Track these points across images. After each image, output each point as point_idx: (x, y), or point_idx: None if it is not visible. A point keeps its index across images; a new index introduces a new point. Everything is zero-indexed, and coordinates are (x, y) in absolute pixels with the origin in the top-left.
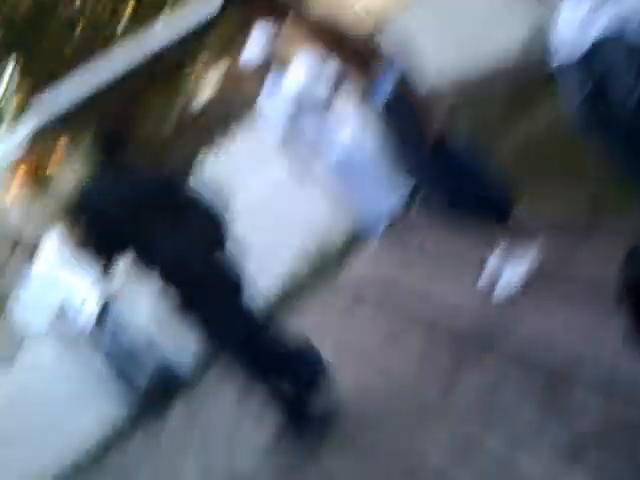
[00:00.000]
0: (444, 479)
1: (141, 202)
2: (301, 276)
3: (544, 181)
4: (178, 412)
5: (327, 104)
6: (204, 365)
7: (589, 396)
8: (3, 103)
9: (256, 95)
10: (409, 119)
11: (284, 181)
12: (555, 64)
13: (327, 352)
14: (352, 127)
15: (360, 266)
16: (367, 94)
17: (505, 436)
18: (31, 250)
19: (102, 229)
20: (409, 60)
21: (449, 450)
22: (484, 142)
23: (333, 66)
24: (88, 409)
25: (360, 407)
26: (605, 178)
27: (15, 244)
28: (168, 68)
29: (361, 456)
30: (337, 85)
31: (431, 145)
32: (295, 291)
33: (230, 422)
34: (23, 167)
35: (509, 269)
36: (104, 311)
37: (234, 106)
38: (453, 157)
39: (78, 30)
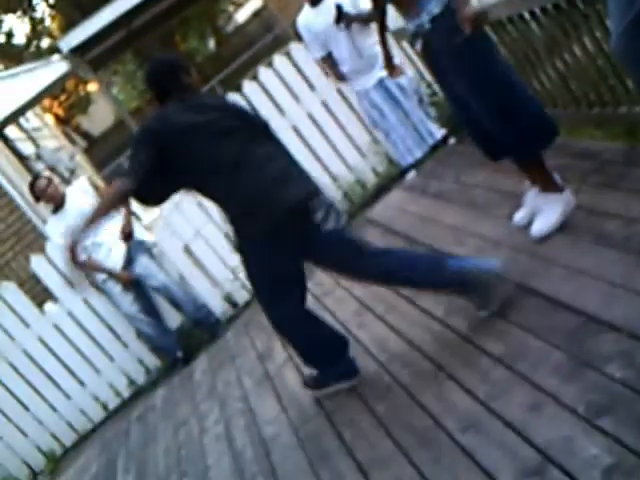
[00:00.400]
0: (468, 432)
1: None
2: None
3: (583, 113)
4: (203, 363)
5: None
6: (228, 319)
7: (618, 341)
8: None
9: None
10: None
11: (319, 112)
12: None
13: (356, 292)
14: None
15: (395, 199)
16: (414, 17)
17: (530, 389)
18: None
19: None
20: None
21: (476, 401)
22: (527, 68)
23: None
24: (119, 357)
25: (385, 347)
26: None
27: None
28: None
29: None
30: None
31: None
32: None
33: (254, 376)
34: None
35: (546, 205)
36: (132, 258)
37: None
38: (490, 91)
39: None
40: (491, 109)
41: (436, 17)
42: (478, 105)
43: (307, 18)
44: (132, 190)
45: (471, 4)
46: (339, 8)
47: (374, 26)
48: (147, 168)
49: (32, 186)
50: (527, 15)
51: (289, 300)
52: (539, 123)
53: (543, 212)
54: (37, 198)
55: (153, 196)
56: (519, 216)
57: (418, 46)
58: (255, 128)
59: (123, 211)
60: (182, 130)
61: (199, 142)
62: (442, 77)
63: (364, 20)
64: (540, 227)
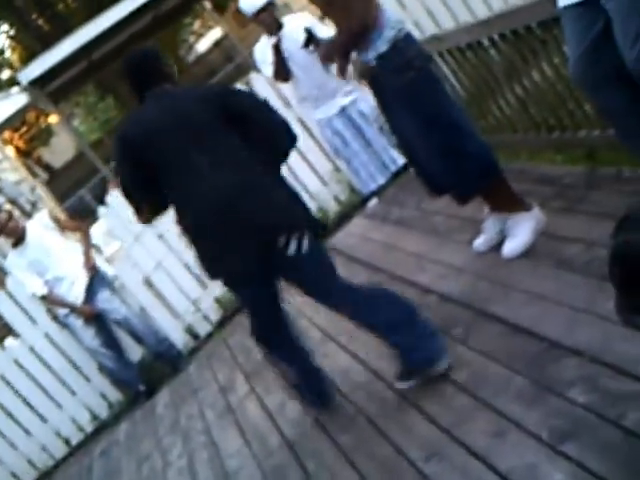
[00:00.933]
0: (432, 460)
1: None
2: None
3: (543, 137)
4: (166, 397)
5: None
6: (190, 352)
7: (580, 366)
8: None
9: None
10: (401, 79)
11: None
12: (561, 4)
13: (320, 321)
14: (350, 87)
15: (357, 226)
16: (362, 53)
17: (493, 416)
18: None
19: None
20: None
21: (439, 429)
22: (487, 94)
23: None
24: (81, 391)
25: (348, 377)
26: (602, 134)
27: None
28: (168, 18)
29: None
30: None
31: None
32: None
33: (216, 409)
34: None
35: (516, 225)
36: (93, 292)
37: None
38: (441, 130)
39: None
40: (434, 148)
41: (383, 55)
42: (422, 143)
43: (263, 50)
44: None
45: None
46: (309, 32)
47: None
48: (135, 185)
49: None
50: (486, 42)
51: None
52: (480, 162)
53: (514, 232)
54: None
55: (163, 202)
56: (479, 242)
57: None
58: (231, 126)
59: (84, 244)
60: (153, 136)
61: (169, 149)
62: (388, 113)
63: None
64: (512, 247)
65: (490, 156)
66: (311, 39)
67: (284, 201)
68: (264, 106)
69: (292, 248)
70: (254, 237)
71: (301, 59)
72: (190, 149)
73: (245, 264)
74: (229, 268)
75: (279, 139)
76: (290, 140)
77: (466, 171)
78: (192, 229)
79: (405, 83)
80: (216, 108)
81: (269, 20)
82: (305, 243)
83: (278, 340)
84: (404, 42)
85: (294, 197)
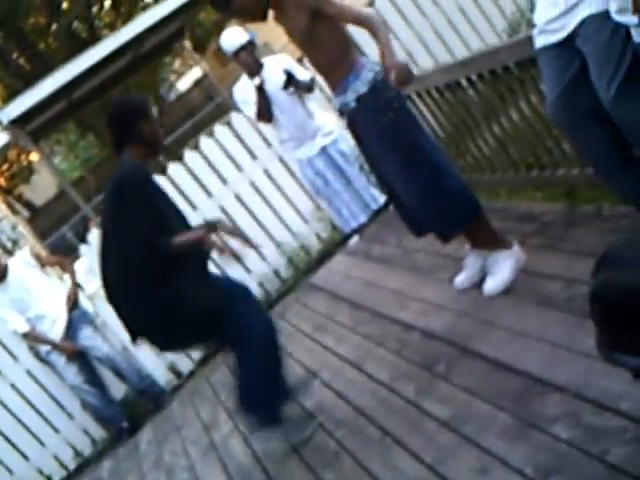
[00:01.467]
0: None
1: None
2: (281, 275)
3: (522, 176)
4: (149, 434)
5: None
6: (173, 389)
7: (563, 402)
8: None
9: (234, 82)
10: (381, 119)
11: (261, 180)
12: (538, 46)
13: (303, 358)
14: (331, 127)
15: (339, 264)
16: (339, 93)
17: (477, 452)
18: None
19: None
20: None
21: (423, 465)
22: (465, 133)
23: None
24: (64, 428)
25: (331, 413)
26: (581, 172)
27: None
28: (148, 57)
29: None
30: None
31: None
32: (275, 291)
33: (199, 446)
34: None
35: (496, 263)
36: (75, 329)
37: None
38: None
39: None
40: (414, 188)
41: (362, 96)
42: (401, 183)
43: (244, 90)
44: None
45: (397, 57)
46: (289, 73)
47: (314, 95)
48: None
49: None
50: (464, 82)
51: None
52: (460, 203)
53: (494, 270)
54: None
55: None
56: (460, 279)
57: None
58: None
59: (70, 274)
60: None
61: None
62: (367, 153)
63: (306, 89)
64: (493, 285)
65: (471, 195)
66: (291, 81)
67: None
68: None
69: None
70: None
71: (282, 101)
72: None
73: None
74: None
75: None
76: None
77: (447, 210)
78: None
79: (385, 124)
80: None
81: (249, 60)
82: None
83: None
84: (382, 83)
85: None
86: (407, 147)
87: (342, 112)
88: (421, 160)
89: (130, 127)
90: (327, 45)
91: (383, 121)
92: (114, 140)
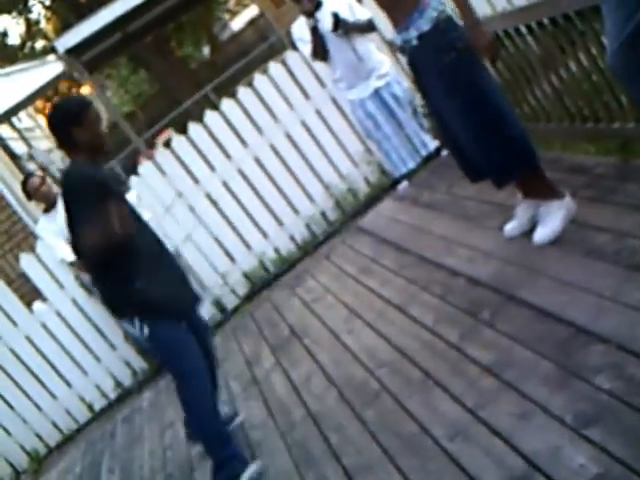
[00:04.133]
0: (456, 440)
1: None
2: (328, 218)
3: (577, 127)
4: None
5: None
6: (216, 324)
7: (607, 353)
8: None
9: (289, 23)
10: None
11: (313, 120)
12: None
13: (347, 299)
14: (386, 69)
15: (387, 208)
16: (402, 30)
17: (518, 398)
18: None
19: None
20: None
21: (464, 409)
22: (522, 82)
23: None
24: (106, 358)
25: (373, 353)
26: (637, 126)
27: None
28: None
29: (369, 419)
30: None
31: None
32: (322, 233)
33: (241, 381)
34: None
35: (548, 212)
36: None
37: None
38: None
39: None
40: (472, 131)
41: (424, 34)
42: (460, 125)
43: (301, 28)
44: None
45: (485, 31)
46: (336, 16)
47: (372, 36)
48: None
49: (25, 184)
50: (524, 29)
51: None
52: (518, 149)
53: (545, 220)
54: (29, 196)
55: None
56: (510, 228)
57: (403, 59)
58: None
59: None
60: None
61: None
62: (427, 94)
63: (361, 29)
64: (543, 235)
65: (529, 142)
66: (338, 23)
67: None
68: None
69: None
70: None
71: (334, 42)
72: None
73: None
74: None
75: None
76: None
77: (506, 156)
78: None
79: (446, 64)
80: None
81: (310, 5)
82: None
83: None
84: (446, 23)
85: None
86: (468, 88)
87: (403, 50)
88: (482, 102)
89: (64, 135)
90: None
91: (444, 61)
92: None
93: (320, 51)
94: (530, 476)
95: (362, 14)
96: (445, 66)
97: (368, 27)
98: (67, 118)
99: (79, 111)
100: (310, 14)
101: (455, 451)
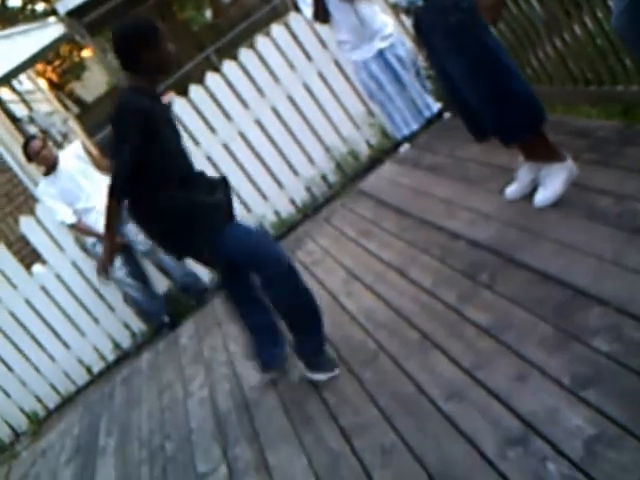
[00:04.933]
0: (453, 400)
1: None
2: (328, 180)
3: (580, 90)
4: (190, 329)
5: None
6: (216, 286)
7: (605, 316)
8: None
9: None
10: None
11: (315, 82)
12: None
13: (346, 261)
14: (390, 31)
15: (388, 171)
16: None
17: (516, 360)
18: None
19: None
20: None
21: (461, 370)
22: (526, 44)
23: None
24: (104, 320)
25: (372, 315)
26: None
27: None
28: None
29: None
30: None
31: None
32: (322, 195)
33: (240, 342)
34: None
35: (549, 175)
36: (122, 223)
37: None
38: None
39: None
40: (480, 90)
41: None
42: (467, 85)
43: None
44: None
45: None
46: None
47: None
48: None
49: (26, 146)
50: None
51: None
52: (527, 107)
53: (546, 182)
54: (29, 158)
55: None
56: (511, 190)
57: (407, 21)
58: None
59: None
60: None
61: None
62: (433, 54)
63: None
64: (544, 197)
65: (537, 101)
66: None
67: None
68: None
69: None
70: None
71: (337, 4)
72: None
73: None
74: None
75: None
76: None
77: (514, 114)
78: None
79: (452, 24)
80: None
81: None
82: None
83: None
84: None
85: None
86: (474, 48)
87: (408, 10)
88: (488, 62)
89: (132, 56)
90: None
91: (450, 21)
92: (122, 66)
93: (321, 13)
94: (526, 437)
95: None
96: (451, 26)
97: None
98: (138, 39)
99: (151, 32)
100: None
101: (451, 412)
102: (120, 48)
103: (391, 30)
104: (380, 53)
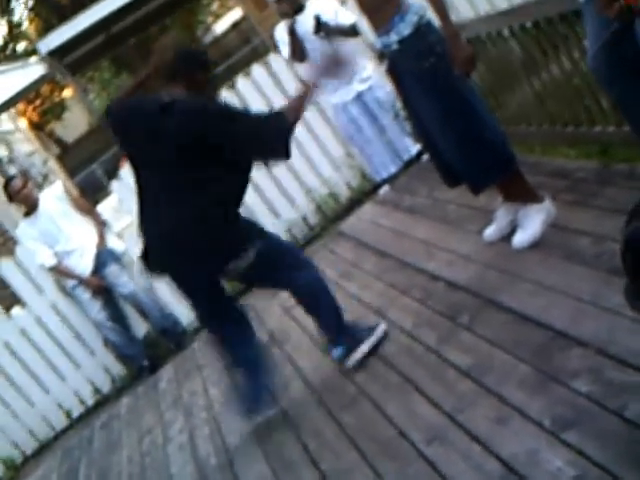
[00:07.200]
0: (434, 444)
1: None
2: (309, 222)
3: (557, 131)
4: (169, 373)
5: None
6: (195, 329)
7: (585, 357)
8: None
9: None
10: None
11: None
12: None
13: None
14: (368, 73)
15: (368, 213)
16: (382, 34)
17: (496, 402)
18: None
19: None
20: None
21: (442, 413)
22: (504, 84)
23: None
24: (85, 364)
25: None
26: (617, 130)
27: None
28: None
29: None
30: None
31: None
32: (303, 237)
33: (220, 387)
34: None
35: (527, 216)
36: (101, 265)
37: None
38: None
39: None
40: (452, 135)
41: (405, 38)
42: (439, 130)
43: (283, 31)
44: None
45: (465, 44)
46: (318, 19)
47: (355, 40)
48: None
49: (6, 185)
50: (506, 32)
51: None
52: (496, 154)
53: (525, 224)
54: (10, 198)
55: None
56: (489, 231)
57: (384, 65)
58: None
59: (97, 227)
60: None
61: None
62: (407, 98)
63: (344, 33)
64: (522, 238)
65: (508, 147)
66: (320, 26)
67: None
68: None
69: None
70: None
71: (316, 45)
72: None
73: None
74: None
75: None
76: None
77: (483, 160)
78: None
79: (426, 68)
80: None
81: (288, 8)
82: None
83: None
84: (426, 28)
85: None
86: (447, 93)
87: (383, 54)
88: (460, 107)
89: (191, 73)
90: None
91: (424, 65)
92: (164, 73)
93: (298, 52)
94: None
95: (347, 19)
96: (425, 71)
97: (351, 31)
98: (200, 60)
99: (208, 63)
100: (287, 15)
101: (433, 455)
102: (180, 59)
103: (370, 72)
104: (359, 96)
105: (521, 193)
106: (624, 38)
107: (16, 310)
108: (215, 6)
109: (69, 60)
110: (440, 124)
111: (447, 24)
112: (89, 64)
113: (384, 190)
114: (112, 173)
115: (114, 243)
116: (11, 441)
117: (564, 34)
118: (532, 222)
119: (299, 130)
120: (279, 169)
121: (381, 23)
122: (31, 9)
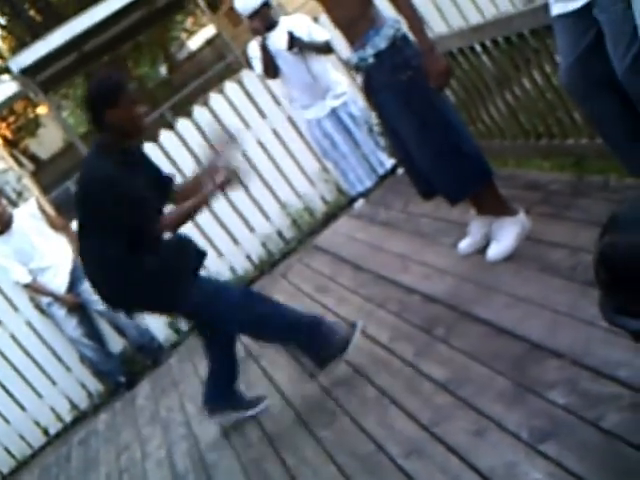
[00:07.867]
0: (412, 457)
1: None
2: (284, 236)
3: (531, 145)
4: (146, 389)
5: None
6: (171, 345)
7: (561, 368)
8: None
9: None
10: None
11: (269, 139)
12: (555, 14)
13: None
14: (342, 89)
15: (343, 227)
16: (358, 48)
17: (473, 414)
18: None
19: None
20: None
21: (419, 426)
22: (477, 99)
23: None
24: (61, 380)
25: (329, 372)
26: (590, 142)
27: None
28: (161, 14)
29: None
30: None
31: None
32: (278, 251)
33: (197, 402)
34: None
35: (501, 229)
36: (77, 282)
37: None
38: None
39: None
40: (428, 148)
41: (381, 52)
42: (415, 143)
43: (256, 47)
44: None
45: (440, 57)
46: (291, 34)
47: (328, 57)
48: None
49: None
50: (478, 47)
51: None
52: (473, 166)
53: (499, 236)
54: None
55: None
56: (464, 245)
57: (359, 79)
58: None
59: (69, 236)
60: None
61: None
62: (382, 112)
63: (317, 49)
64: (497, 251)
65: (483, 159)
66: (293, 42)
67: None
68: None
69: None
70: None
71: (289, 61)
72: None
73: None
74: None
75: None
76: None
77: (459, 173)
78: None
79: (403, 81)
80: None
81: (260, 25)
82: None
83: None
84: (402, 41)
85: None
86: (422, 106)
87: (359, 68)
88: (436, 120)
89: (98, 115)
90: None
91: (401, 78)
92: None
93: (270, 68)
94: None
95: (320, 35)
96: (402, 84)
97: (325, 48)
98: (104, 98)
99: (113, 93)
100: (260, 32)
101: (411, 469)
102: (86, 105)
103: (344, 88)
104: (333, 111)
105: (495, 206)
106: (595, 53)
107: None
108: (189, 23)
109: (42, 78)
110: (417, 137)
111: (422, 38)
112: (62, 82)
113: (359, 204)
114: None
115: None
116: None
117: (536, 48)
118: (506, 234)
119: (274, 145)
120: (254, 184)
121: (356, 37)
122: (3, 27)
